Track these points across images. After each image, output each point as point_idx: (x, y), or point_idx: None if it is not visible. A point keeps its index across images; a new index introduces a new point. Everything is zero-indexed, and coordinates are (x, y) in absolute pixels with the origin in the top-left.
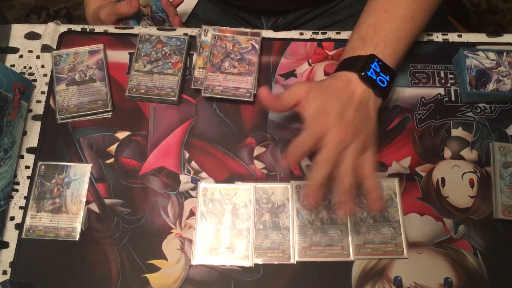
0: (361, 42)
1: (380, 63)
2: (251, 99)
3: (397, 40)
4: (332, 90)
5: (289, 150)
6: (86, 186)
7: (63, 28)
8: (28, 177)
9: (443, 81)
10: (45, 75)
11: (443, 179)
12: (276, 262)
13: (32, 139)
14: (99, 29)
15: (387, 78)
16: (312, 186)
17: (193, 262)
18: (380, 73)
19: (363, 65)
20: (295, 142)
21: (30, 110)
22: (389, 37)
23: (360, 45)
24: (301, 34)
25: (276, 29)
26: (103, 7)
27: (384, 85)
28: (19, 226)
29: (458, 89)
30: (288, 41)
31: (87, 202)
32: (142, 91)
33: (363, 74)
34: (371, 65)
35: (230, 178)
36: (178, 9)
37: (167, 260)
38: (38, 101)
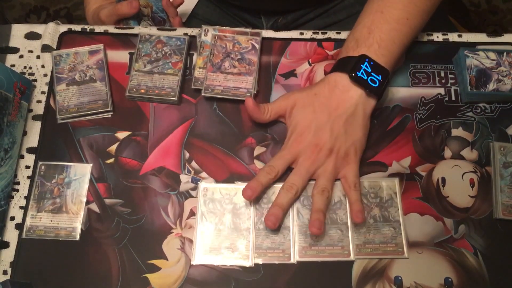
0: (355, 43)
1: (372, 63)
2: (245, 99)
3: (391, 41)
4: (318, 101)
5: (260, 173)
6: (86, 186)
7: (63, 28)
8: (28, 177)
9: (443, 81)
10: (45, 75)
11: (443, 179)
12: (276, 262)
13: (32, 139)
14: (99, 29)
15: (379, 77)
16: (277, 208)
17: (194, 262)
18: (372, 73)
19: (354, 65)
20: (267, 165)
21: (30, 110)
22: (383, 38)
23: (353, 46)
24: (301, 34)
25: (276, 29)
26: (103, 8)
27: (376, 85)
28: (19, 226)
29: (458, 89)
30: (288, 41)
31: (88, 202)
32: (142, 91)
33: (353, 74)
34: (362, 65)
35: (231, 178)
36: (178, 9)
37: (167, 260)
38: (38, 101)
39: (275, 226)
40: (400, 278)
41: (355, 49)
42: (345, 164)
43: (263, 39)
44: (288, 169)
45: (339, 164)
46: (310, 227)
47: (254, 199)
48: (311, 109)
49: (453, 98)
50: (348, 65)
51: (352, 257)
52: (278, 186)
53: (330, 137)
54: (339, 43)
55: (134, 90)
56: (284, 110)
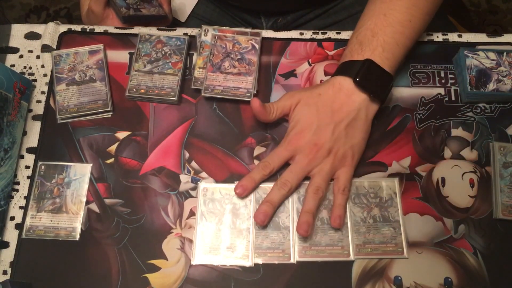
0: (359, 46)
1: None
2: (251, 99)
3: (395, 44)
4: (322, 101)
5: (255, 169)
6: (86, 186)
7: (63, 28)
8: (28, 177)
9: (443, 81)
10: (45, 75)
11: (443, 179)
12: (276, 262)
13: (32, 139)
14: (99, 29)
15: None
16: (268, 205)
17: (193, 262)
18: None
19: (359, 70)
20: (263, 161)
21: (30, 110)
22: (387, 41)
23: (357, 50)
24: (301, 34)
25: (276, 29)
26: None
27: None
28: (19, 226)
29: (458, 89)
30: (288, 41)
31: (87, 202)
32: (142, 91)
33: (357, 79)
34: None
35: (230, 178)
36: (178, 7)
37: (167, 260)
38: (38, 101)
39: (264, 223)
40: (400, 278)
41: (360, 53)
42: (341, 166)
43: (263, 39)
44: (285, 165)
45: (336, 165)
46: (297, 228)
47: (246, 196)
48: (314, 108)
49: (453, 98)
50: (352, 69)
51: (352, 257)
52: None
53: (331, 137)
54: (339, 43)
55: (134, 90)
56: (289, 108)
